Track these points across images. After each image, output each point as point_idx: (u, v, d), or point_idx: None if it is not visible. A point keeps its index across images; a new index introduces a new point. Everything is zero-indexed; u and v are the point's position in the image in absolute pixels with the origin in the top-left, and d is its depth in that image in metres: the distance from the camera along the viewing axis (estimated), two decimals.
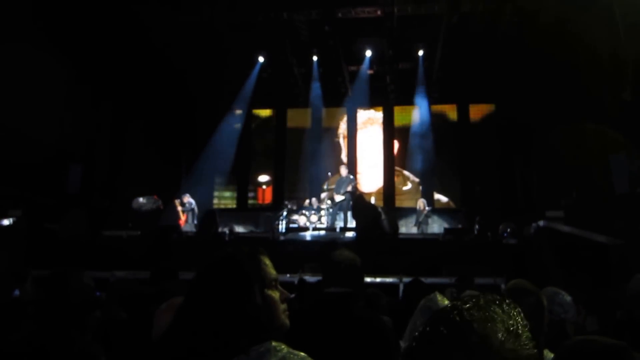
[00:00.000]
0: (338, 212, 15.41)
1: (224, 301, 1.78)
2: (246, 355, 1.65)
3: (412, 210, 16.89)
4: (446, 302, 2.53)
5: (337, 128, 21.14)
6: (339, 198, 15.16)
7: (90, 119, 15.65)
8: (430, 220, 16.29)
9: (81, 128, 15.17)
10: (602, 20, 12.52)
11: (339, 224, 15.38)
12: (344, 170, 15.72)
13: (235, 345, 1.69)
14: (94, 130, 16.01)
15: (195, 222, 15.73)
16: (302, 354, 1.73)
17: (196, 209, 16.29)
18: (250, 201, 20.92)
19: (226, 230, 13.05)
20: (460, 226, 16.00)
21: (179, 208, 16.13)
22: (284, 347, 1.72)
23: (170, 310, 2.55)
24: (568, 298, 3.94)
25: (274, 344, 1.71)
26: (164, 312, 2.55)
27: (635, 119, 11.02)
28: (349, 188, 15.18)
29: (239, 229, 16.01)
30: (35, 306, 3.68)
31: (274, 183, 20.79)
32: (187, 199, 16.35)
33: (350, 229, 14.00)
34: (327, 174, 16.87)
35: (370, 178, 20.07)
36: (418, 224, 15.96)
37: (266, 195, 20.76)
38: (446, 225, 17.15)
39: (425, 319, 2.38)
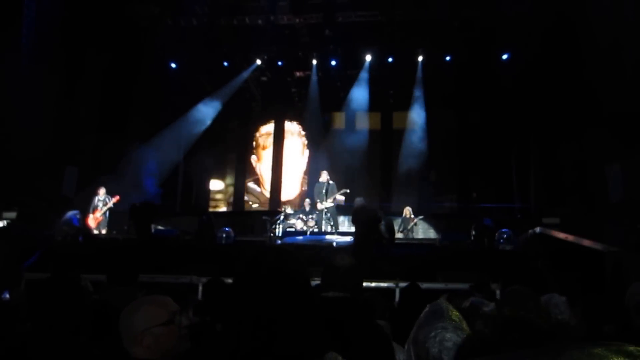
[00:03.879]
0: (328, 219, 15.32)
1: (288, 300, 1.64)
2: None
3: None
4: (451, 308, 2.53)
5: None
6: (327, 205, 15.08)
7: (84, 122, 15.61)
8: (415, 228, 16.31)
9: (76, 130, 15.15)
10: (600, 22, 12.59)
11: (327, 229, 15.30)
12: (324, 176, 15.61)
13: (302, 354, 1.59)
14: (89, 132, 15.97)
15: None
16: None
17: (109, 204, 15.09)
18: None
19: (223, 234, 13.02)
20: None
21: (100, 205, 14.91)
22: (339, 356, 1.68)
23: (137, 310, 2.51)
24: (563, 299, 3.96)
25: (332, 353, 1.66)
26: (131, 313, 2.50)
27: (631, 127, 11.04)
28: (337, 196, 15.19)
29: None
30: (28, 309, 3.69)
31: (271, 187, 20.83)
32: (103, 193, 15.04)
33: (347, 234, 13.96)
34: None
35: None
36: (406, 230, 15.95)
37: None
38: (432, 232, 17.22)
39: (432, 325, 2.39)
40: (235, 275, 1.73)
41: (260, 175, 21.56)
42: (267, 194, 20.26)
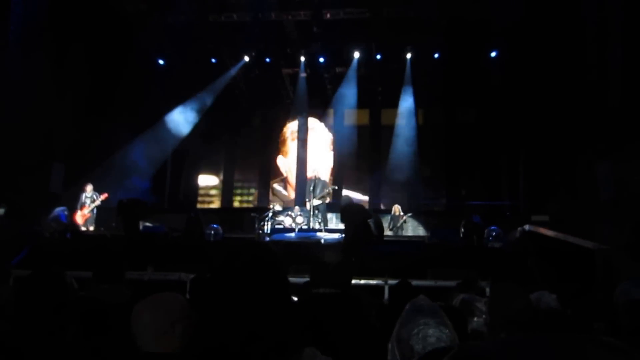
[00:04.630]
0: (316, 216, 15.28)
1: (262, 297, 1.63)
2: None
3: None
4: (433, 304, 2.52)
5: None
6: (315, 202, 15.03)
7: (72, 117, 15.52)
8: (405, 225, 16.33)
9: (64, 126, 15.06)
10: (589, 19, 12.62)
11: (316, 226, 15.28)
12: (313, 173, 15.59)
13: (278, 350, 1.57)
14: (77, 128, 15.86)
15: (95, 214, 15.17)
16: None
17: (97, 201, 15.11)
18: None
19: (211, 231, 12.96)
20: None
21: (88, 202, 15.01)
22: (317, 352, 1.67)
23: (148, 307, 2.52)
24: (553, 297, 3.95)
25: (311, 349, 1.66)
26: (143, 310, 2.51)
27: (621, 125, 11.07)
28: (325, 192, 15.16)
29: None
30: (15, 307, 3.63)
31: (259, 184, 20.84)
32: (90, 190, 15.13)
33: (335, 231, 13.95)
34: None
35: None
36: (395, 228, 15.96)
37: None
38: (422, 229, 17.25)
39: (414, 322, 2.38)
40: (212, 271, 1.72)
41: (288, 175, 21.22)
42: (294, 196, 20.05)
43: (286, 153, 21.33)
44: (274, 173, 21.12)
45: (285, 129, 21.41)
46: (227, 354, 1.53)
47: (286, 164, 21.17)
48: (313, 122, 21.13)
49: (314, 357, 1.62)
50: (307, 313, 2.93)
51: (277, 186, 21.08)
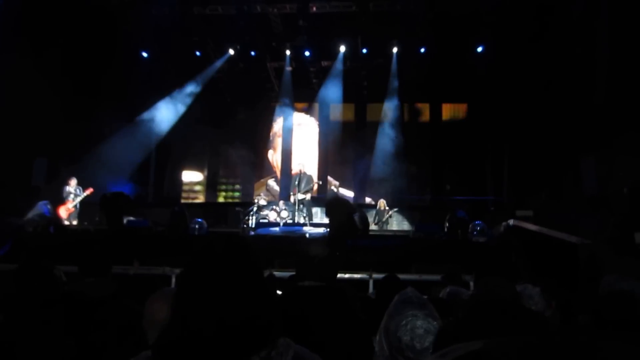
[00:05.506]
0: (301, 210, 15.27)
1: (237, 286, 1.62)
2: (267, 351, 1.56)
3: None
4: (421, 296, 2.53)
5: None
6: (300, 196, 15.02)
7: (55, 111, 15.40)
8: (390, 220, 16.37)
9: (46, 120, 14.95)
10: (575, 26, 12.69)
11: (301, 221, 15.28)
12: (298, 167, 15.60)
13: (253, 339, 1.57)
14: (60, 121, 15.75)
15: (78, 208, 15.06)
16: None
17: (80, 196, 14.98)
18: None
19: (195, 225, 12.92)
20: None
21: (72, 197, 14.86)
22: (291, 342, 1.66)
23: (161, 299, 2.50)
24: (537, 290, 3.97)
25: (285, 339, 1.64)
26: (155, 301, 2.50)
27: (605, 121, 11.14)
28: (310, 186, 15.16)
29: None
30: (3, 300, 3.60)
31: (243, 179, 20.80)
32: (74, 184, 14.98)
33: (320, 225, 13.96)
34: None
35: None
36: (380, 222, 15.99)
37: None
38: (406, 224, 17.29)
39: (403, 314, 2.38)
40: (187, 264, 1.72)
41: (277, 171, 21.13)
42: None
43: (276, 148, 21.27)
44: (261, 168, 21.06)
45: (274, 124, 21.31)
46: (199, 343, 1.53)
47: (276, 158, 21.10)
48: (301, 117, 21.12)
49: (288, 347, 1.61)
50: (293, 305, 2.92)
51: (270, 182, 21.02)
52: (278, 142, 21.19)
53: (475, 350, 0.94)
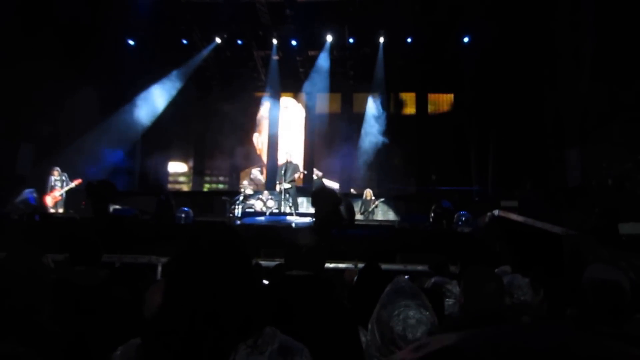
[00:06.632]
0: (287, 200, 15.26)
1: (225, 276, 1.64)
2: (254, 340, 1.58)
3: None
4: (414, 286, 2.55)
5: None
6: (286, 186, 15.01)
7: (41, 97, 15.30)
8: (375, 210, 16.40)
9: (32, 107, 14.86)
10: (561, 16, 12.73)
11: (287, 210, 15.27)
12: (285, 157, 15.59)
13: (240, 328, 1.59)
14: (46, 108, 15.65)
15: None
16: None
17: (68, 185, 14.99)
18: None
19: (182, 214, 12.89)
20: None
21: (58, 185, 14.86)
22: (277, 331, 1.67)
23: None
24: (526, 281, 4.01)
25: (271, 328, 1.66)
26: (156, 291, 2.50)
27: (590, 111, 11.21)
28: (296, 176, 15.16)
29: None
30: None
31: (229, 169, 20.75)
32: (58, 174, 14.91)
33: (306, 215, 13.97)
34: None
35: None
36: (366, 212, 16.03)
37: None
38: (392, 214, 17.34)
39: (395, 304, 2.40)
40: (176, 253, 1.73)
41: (261, 154, 21.15)
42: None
43: (261, 131, 21.24)
44: (247, 158, 20.97)
45: (262, 107, 21.23)
46: (187, 332, 1.54)
47: (261, 141, 21.09)
48: (287, 101, 21.09)
49: (273, 336, 1.63)
50: (280, 294, 2.94)
51: (254, 171, 20.95)
52: (264, 125, 21.13)
53: (449, 345, 0.95)
